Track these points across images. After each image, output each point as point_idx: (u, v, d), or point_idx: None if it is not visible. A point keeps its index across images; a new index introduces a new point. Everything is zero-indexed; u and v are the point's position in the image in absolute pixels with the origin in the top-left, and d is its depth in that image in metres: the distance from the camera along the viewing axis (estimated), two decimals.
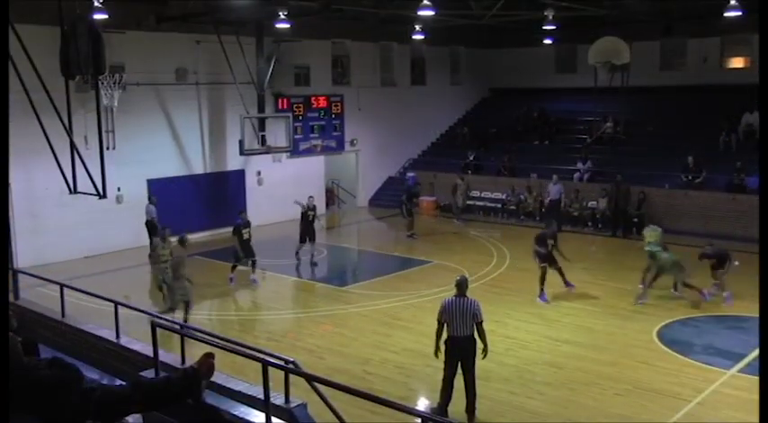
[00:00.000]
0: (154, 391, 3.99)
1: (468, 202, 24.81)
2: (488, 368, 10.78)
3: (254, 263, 16.51)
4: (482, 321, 9.65)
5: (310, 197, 18.66)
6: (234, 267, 16.44)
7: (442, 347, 9.72)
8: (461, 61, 30.68)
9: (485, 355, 9.67)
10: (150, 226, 18.77)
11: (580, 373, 11.36)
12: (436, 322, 9.79)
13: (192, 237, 21.03)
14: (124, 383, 7.33)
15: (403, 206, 21.98)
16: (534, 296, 15.05)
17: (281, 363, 7.20)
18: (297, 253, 18.38)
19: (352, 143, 26.54)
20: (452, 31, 27.17)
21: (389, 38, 26.74)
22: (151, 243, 19.01)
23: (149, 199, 19.28)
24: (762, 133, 19.49)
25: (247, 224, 16.64)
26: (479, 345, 9.71)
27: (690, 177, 22.30)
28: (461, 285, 9.91)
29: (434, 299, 15.17)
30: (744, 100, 22.90)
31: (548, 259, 15.13)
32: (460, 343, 9.63)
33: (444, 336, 9.71)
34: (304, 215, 18.20)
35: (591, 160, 24.60)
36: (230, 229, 21.63)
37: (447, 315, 9.66)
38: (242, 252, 16.28)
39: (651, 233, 15.57)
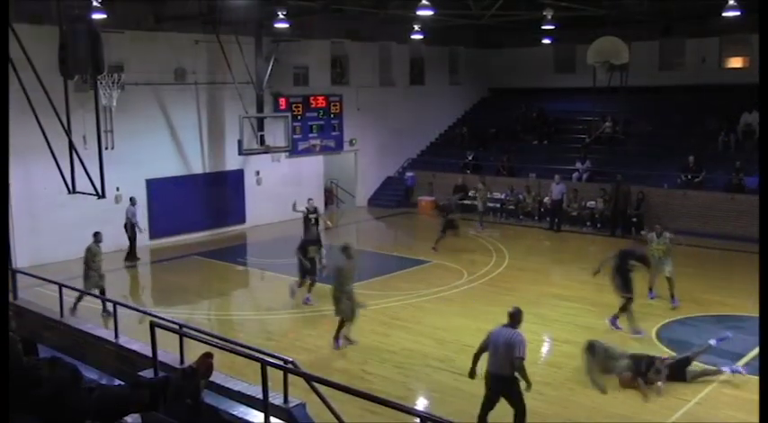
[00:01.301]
0: (152, 391, 3.98)
1: (467, 202, 24.79)
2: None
3: (312, 282, 15.36)
4: (523, 358, 8.58)
5: (310, 200, 18.20)
6: (301, 284, 15.35)
7: (478, 372, 9.01)
8: (460, 61, 30.68)
9: (528, 389, 8.74)
10: (128, 229, 18.60)
11: (580, 373, 11.35)
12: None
13: (191, 237, 21.12)
14: (123, 383, 7.33)
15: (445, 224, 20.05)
16: (533, 296, 15.02)
17: (280, 363, 7.20)
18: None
19: (350, 143, 26.54)
20: (451, 30, 27.15)
21: (388, 38, 26.73)
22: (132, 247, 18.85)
23: (131, 200, 18.91)
24: (762, 133, 19.52)
25: (315, 242, 15.56)
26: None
27: (689, 177, 22.30)
28: (513, 316, 8.91)
29: (433, 299, 15.21)
30: (743, 100, 22.92)
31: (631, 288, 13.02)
32: (496, 382, 8.79)
33: (484, 368, 8.96)
34: (306, 219, 17.75)
35: (590, 160, 24.61)
36: (229, 228, 21.65)
37: (490, 344, 8.85)
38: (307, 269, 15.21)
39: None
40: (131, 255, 18.59)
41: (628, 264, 12.99)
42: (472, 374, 9.02)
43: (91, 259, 14.10)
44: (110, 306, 12.65)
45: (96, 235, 14.50)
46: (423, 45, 27.22)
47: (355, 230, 24.96)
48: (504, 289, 15.88)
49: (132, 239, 18.63)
